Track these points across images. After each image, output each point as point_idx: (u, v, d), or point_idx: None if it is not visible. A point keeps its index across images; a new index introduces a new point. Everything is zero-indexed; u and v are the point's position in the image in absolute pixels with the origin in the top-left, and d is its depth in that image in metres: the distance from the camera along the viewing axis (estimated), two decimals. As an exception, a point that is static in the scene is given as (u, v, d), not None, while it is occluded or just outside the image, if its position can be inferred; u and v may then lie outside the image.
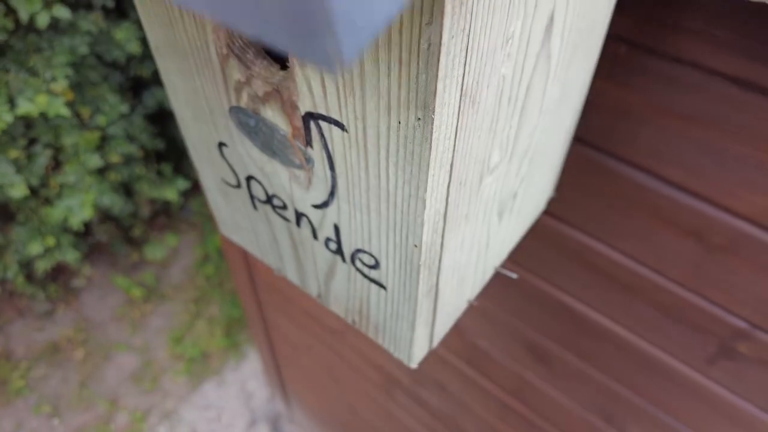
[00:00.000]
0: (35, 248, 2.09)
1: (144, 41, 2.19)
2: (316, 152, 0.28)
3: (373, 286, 0.34)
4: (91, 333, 2.61)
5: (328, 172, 0.28)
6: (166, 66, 0.34)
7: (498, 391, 1.12)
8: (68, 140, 1.95)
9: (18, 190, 1.99)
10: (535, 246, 0.79)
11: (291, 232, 0.37)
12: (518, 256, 0.82)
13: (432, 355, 1.21)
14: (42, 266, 2.23)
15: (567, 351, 0.90)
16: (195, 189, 2.96)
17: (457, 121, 0.22)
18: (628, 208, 0.66)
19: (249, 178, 0.36)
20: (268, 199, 0.36)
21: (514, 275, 0.40)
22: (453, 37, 0.18)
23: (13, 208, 2.19)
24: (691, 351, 0.72)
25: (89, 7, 1.96)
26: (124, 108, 2.07)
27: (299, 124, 0.27)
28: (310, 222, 0.34)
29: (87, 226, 2.40)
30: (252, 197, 0.38)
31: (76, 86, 1.99)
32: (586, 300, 0.80)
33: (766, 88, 0.49)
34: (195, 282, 2.81)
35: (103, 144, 2.11)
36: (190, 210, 2.96)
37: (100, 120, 2.01)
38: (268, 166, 0.33)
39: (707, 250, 0.62)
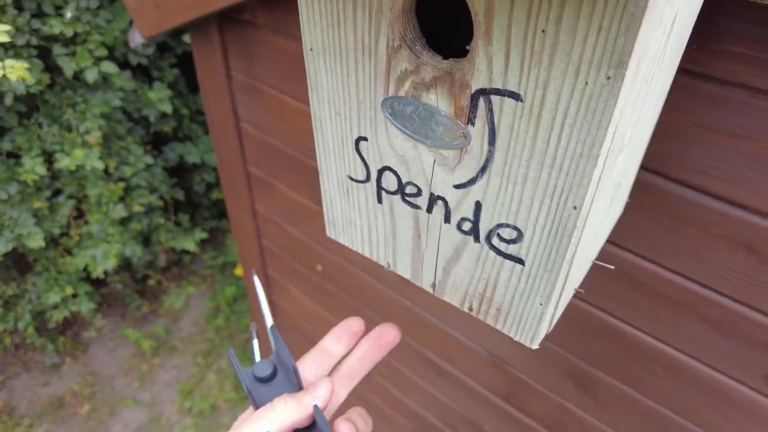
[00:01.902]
0: (52, 298, 2.09)
1: (178, 95, 2.29)
2: (477, 129, 0.32)
3: (507, 263, 0.37)
4: (97, 387, 2.55)
5: (486, 147, 0.32)
6: (317, 66, 0.38)
7: (538, 427, 1.11)
8: (93, 191, 2.00)
9: (35, 241, 2.01)
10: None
11: (417, 219, 0.41)
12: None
13: (465, 394, 1.20)
14: (56, 317, 2.21)
15: (612, 377, 0.90)
16: (208, 241, 2.98)
17: (630, 84, 0.26)
18: (677, 225, 0.69)
19: (383, 170, 0.40)
20: (399, 188, 0.40)
21: (611, 267, 0.43)
22: (649, 7, 0.23)
23: (30, 259, 2.20)
24: (747, 369, 0.73)
25: (124, 65, 2.08)
26: (148, 159, 2.14)
27: (465, 103, 0.31)
28: (446, 204, 0.37)
29: (104, 275, 2.40)
30: (380, 190, 0.41)
31: (104, 139, 2.07)
32: (633, 321, 0.81)
33: (805, 103, 0.54)
34: (205, 334, 2.78)
35: (125, 194, 2.16)
36: (201, 262, 2.98)
37: (126, 171, 2.07)
38: (411, 153, 0.37)
39: (759, 260, 0.65)
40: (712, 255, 0.68)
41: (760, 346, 0.69)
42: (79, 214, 2.23)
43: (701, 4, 0.42)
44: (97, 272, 2.02)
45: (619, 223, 0.72)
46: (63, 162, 1.83)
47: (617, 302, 0.80)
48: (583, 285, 0.83)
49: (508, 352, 1.03)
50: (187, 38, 2.20)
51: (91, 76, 1.80)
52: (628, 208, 0.70)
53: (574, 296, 0.86)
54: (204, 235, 2.51)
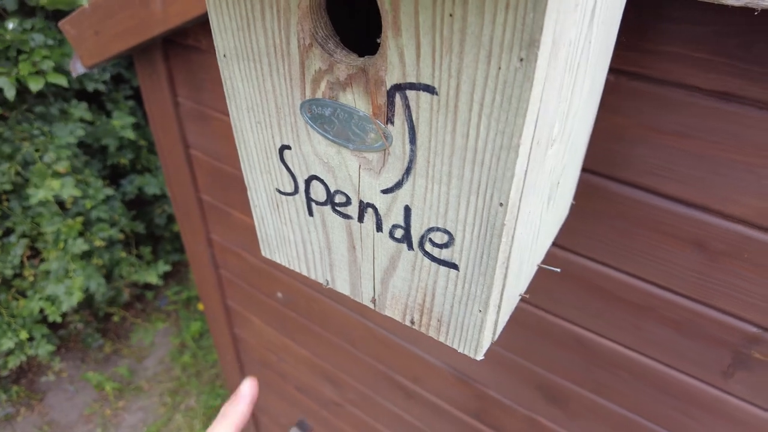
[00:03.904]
0: (5, 344, 1.98)
1: (136, 127, 2.25)
2: (397, 128, 0.30)
3: (442, 270, 0.35)
4: (56, 438, 2.41)
5: (408, 147, 0.30)
6: (232, 73, 0.36)
7: (511, 445, 1.09)
8: (49, 228, 1.92)
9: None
10: (539, 279, 0.80)
11: (350, 230, 0.38)
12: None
13: (435, 414, 1.17)
14: (10, 363, 2.09)
15: (580, 387, 0.89)
16: (171, 276, 2.89)
17: (547, 67, 0.25)
18: (631, 228, 0.69)
19: (310, 180, 0.37)
20: (329, 198, 0.37)
21: (557, 270, 0.41)
22: (553, -19, 0.22)
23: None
24: (706, 366, 0.73)
25: (80, 94, 2.03)
26: (108, 191, 2.09)
27: (382, 101, 0.30)
28: (375, 212, 0.35)
29: (62, 315, 2.30)
30: (309, 201, 0.39)
31: (70, 172, 2.00)
32: (597, 328, 0.81)
33: (745, 98, 0.54)
34: (172, 373, 2.67)
35: (85, 229, 2.09)
36: (165, 299, 2.88)
37: (86, 204, 2.01)
38: (335, 159, 0.35)
39: (710, 257, 0.65)
40: (667, 255, 0.68)
41: (716, 343, 0.69)
42: (34, 253, 2.13)
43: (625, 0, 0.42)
44: (62, 309, 1.94)
45: (574, 230, 0.72)
46: (37, 195, 1.76)
47: (579, 310, 0.80)
48: (544, 294, 0.82)
49: (474, 368, 1.01)
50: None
51: (35, 86, 1.73)
52: (583, 213, 0.70)
53: (536, 307, 0.85)
54: (167, 268, 2.44)
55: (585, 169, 0.67)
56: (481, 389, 1.03)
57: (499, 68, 0.24)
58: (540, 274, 0.79)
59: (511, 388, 0.98)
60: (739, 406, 0.73)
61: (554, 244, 0.76)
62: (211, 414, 2.58)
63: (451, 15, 0.24)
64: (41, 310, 2.08)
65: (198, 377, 2.70)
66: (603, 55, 0.41)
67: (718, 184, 0.60)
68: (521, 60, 0.23)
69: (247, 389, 0.48)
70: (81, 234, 2.11)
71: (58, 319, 2.00)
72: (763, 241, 0.61)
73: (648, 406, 0.83)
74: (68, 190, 1.86)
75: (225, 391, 2.60)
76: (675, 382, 0.77)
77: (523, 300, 0.85)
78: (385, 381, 1.21)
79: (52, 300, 1.98)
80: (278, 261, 0.46)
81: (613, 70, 0.59)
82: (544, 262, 0.44)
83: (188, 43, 1.03)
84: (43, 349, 2.21)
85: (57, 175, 1.88)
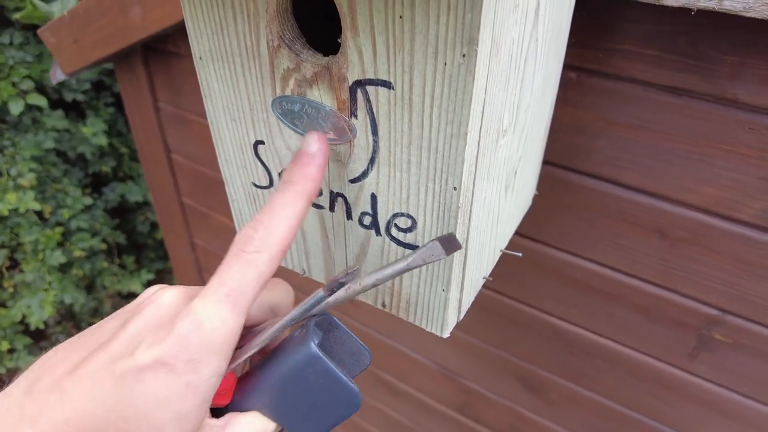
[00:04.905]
0: (-13, 355, 1.97)
1: (108, 133, 2.25)
2: (360, 121, 0.33)
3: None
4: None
5: (371, 138, 0.33)
6: (208, 74, 0.38)
7: (494, 436, 1.11)
8: (27, 238, 1.91)
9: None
10: (514, 270, 0.83)
11: (323, 220, 0.41)
12: (499, 282, 0.87)
13: (421, 410, 1.20)
14: (-9, 375, 2.08)
15: (557, 375, 0.92)
16: (155, 283, 2.88)
17: (489, 63, 0.28)
18: (596, 218, 0.72)
19: (283, 173, 0.40)
20: (302, 190, 0.40)
21: (519, 254, 0.44)
22: (489, -16, 0.24)
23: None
24: (673, 349, 0.76)
25: (57, 103, 2.02)
26: (87, 200, 2.08)
27: (345, 96, 0.32)
28: (345, 201, 0.38)
29: (44, 325, 2.28)
30: (283, 193, 0.41)
31: (38, 183, 1.99)
32: (570, 317, 0.84)
33: (694, 92, 0.58)
34: (158, 380, 2.65)
35: (65, 239, 2.08)
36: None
37: (64, 214, 2.00)
38: (306, 152, 0.37)
39: (672, 244, 0.68)
40: (631, 243, 0.71)
41: (681, 326, 0.72)
42: (13, 264, 2.12)
43: (573, 1, 0.45)
44: (34, 323, 1.92)
45: (543, 221, 0.75)
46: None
47: (553, 300, 0.83)
48: (518, 285, 0.85)
49: (457, 363, 1.03)
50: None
51: (16, 108, 1.73)
52: (550, 205, 0.73)
53: (512, 298, 0.88)
54: (151, 276, 2.43)
55: (549, 162, 0.70)
56: (465, 383, 1.05)
57: (445, 64, 0.27)
58: (512, 265, 0.82)
59: (493, 381, 1.01)
60: (704, 386, 0.76)
61: (525, 235, 0.79)
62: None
63: (401, 17, 0.27)
64: (22, 320, 2.06)
65: (185, 384, 2.69)
66: (554, 53, 0.44)
67: (674, 174, 0.64)
68: (464, 56, 0.26)
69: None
70: (60, 244, 2.10)
71: (41, 326, 1.99)
72: (719, 227, 0.64)
73: (621, 391, 0.86)
74: (27, 204, 1.84)
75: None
76: (645, 366, 0.80)
77: (500, 293, 0.88)
78: (370, 379, 1.23)
79: (29, 310, 1.97)
80: (257, 253, 0.48)
81: (573, 67, 0.63)
82: (512, 250, 0.47)
83: (167, 48, 1.04)
84: (24, 361, 2.20)
85: (20, 188, 1.86)
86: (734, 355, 0.71)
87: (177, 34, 0.99)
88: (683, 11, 0.51)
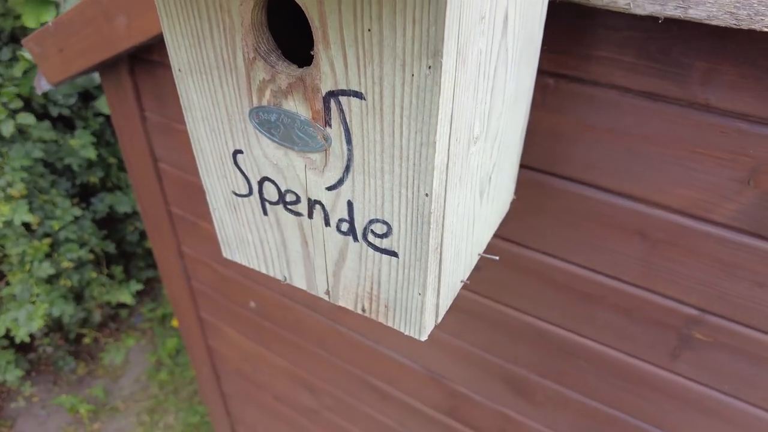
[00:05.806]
0: (-28, 369, 1.94)
1: (97, 144, 2.24)
2: (335, 130, 0.34)
3: (385, 258, 0.38)
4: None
5: (345, 147, 0.34)
6: (187, 86, 0.39)
7: (483, 439, 1.12)
8: (14, 250, 1.90)
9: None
10: (497, 273, 0.84)
11: (302, 227, 0.42)
12: (482, 286, 0.87)
13: (410, 414, 1.20)
14: (-22, 389, 2.05)
15: (543, 377, 0.93)
16: (145, 293, 2.87)
17: (455, 73, 0.29)
18: (578, 222, 0.73)
19: (262, 181, 0.41)
20: (281, 198, 0.41)
21: (495, 258, 0.45)
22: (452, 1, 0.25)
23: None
24: (656, 349, 0.77)
25: (44, 116, 2.01)
26: (76, 211, 2.07)
27: (320, 106, 0.33)
28: (323, 208, 0.39)
29: (30, 338, 2.26)
30: (263, 201, 0.42)
31: (26, 194, 1.98)
32: (553, 319, 0.85)
33: (668, 97, 0.59)
34: (149, 391, 2.64)
35: (52, 250, 2.07)
36: (140, 316, 2.85)
37: (53, 225, 1.98)
38: (283, 161, 0.38)
39: (652, 246, 0.69)
40: (613, 246, 0.72)
41: (662, 326, 0.73)
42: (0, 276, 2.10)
43: (545, 10, 0.46)
44: (21, 336, 1.90)
45: (525, 225, 0.76)
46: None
47: (537, 302, 0.83)
48: (502, 288, 0.86)
49: (445, 367, 1.04)
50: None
51: (6, 129, 1.73)
52: (532, 209, 0.74)
53: (497, 301, 0.89)
54: (140, 287, 2.42)
55: (529, 167, 0.71)
56: (453, 387, 1.06)
57: (413, 75, 0.28)
58: (495, 268, 0.83)
59: (481, 384, 1.01)
60: (686, 385, 0.77)
61: (507, 239, 0.80)
62: (189, 431, 2.55)
63: (369, 30, 0.28)
64: (7, 333, 2.03)
65: (176, 394, 2.68)
66: (526, 62, 0.45)
67: (652, 177, 0.65)
68: (429, 67, 0.27)
69: None
70: (48, 256, 2.08)
71: (26, 339, 1.97)
72: (696, 228, 0.65)
73: (605, 391, 0.86)
74: (21, 216, 1.83)
75: (203, 407, 2.58)
76: (629, 366, 0.81)
77: (484, 296, 0.88)
78: (361, 384, 1.24)
79: (18, 324, 1.95)
80: (239, 261, 0.49)
81: (551, 73, 0.64)
82: (493, 254, 0.48)
83: (153, 58, 1.05)
84: (12, 374, 2.17)
85: (10, 198, 1.85)
86: (715, 354, 0.72)
87: (162, 43, 1.00)
88: (652, 19, 0.53)
